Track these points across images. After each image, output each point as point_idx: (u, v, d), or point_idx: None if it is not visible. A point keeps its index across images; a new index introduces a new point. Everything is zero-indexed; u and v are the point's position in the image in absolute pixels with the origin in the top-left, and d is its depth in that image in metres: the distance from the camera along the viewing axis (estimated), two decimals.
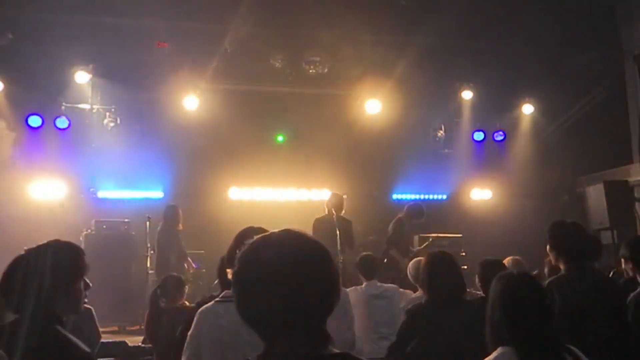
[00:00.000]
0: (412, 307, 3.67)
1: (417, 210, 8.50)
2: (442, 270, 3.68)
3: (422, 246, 8.56)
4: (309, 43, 9.55)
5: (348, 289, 5.35)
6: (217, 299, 2.85)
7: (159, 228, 8.23)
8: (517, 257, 5.38)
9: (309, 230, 7.30)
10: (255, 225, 2.92)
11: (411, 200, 10.09)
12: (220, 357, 2.67)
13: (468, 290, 5.28)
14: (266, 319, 1.45)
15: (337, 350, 1.48)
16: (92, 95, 9.37)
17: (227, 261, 2.89)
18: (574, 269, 3.22)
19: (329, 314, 1.51)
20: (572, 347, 2.38)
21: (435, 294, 3.63)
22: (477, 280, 4.39)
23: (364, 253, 6.10)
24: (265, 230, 2.89)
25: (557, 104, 10.47)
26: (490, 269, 4.02)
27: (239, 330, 2.62)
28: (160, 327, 5.02)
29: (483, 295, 5.18)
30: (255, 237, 1.56)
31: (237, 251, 2.76)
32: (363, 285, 5.62)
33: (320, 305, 1.47)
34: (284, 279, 1.42)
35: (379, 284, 5.66)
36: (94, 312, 4.63)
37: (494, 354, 2.39)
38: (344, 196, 8.19)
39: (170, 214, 8.25)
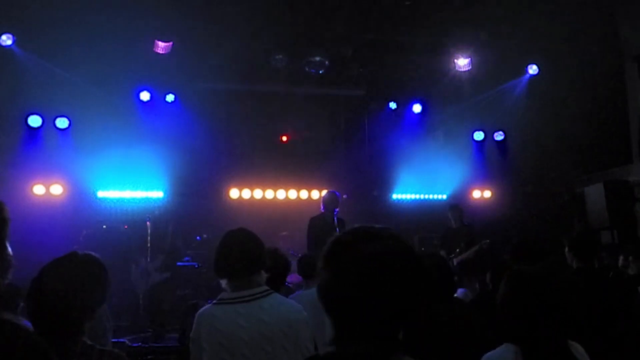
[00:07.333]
0: None
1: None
2: (432, 270, 3.75)
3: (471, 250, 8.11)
4: (309, 43, 9.54)
5: None
6: (214, 301, 2.82)
7: None
8: None
9: (304, 230, 7.30)
10: (255, 225, 2.91)
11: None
12: (219, 359, 2.67)
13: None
14: (347, 314, 1.37)
15: (409, 358, 1.41)
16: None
17: (214, 268, 2.84)
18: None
19: (406, 321, 1.44)
20: (573, 343, 2.39)
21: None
22: (487, 278, 4.47)
23: None
24: (245, 230, 2.86)
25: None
26: (501, 268, 4.11)
27: (235, 332, 2.61)
28: None
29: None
30: (356, 226, 1.47)
31: (222, 257, 2.74)
32: None
33: (403, 311, 1.39)
34: (378, 276, 1.35)
35: None
36: None
37: (498, 349, 2.41)
38: (344, 196, 8.17)
39: None
